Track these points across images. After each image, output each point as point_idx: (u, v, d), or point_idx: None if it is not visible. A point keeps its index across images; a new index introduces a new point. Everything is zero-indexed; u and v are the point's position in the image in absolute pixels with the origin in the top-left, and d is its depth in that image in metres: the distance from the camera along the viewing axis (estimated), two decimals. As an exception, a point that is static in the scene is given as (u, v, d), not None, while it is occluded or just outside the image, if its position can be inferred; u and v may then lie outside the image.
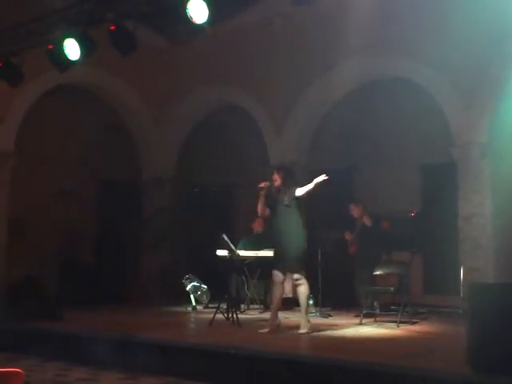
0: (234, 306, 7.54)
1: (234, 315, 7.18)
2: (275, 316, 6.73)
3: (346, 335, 6.53)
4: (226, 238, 7.61)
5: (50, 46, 7.22)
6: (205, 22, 6.61)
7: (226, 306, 7.46)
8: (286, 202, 6.55)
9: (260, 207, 6.76)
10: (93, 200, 11.42)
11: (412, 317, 7.37)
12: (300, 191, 6.53)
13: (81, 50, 7.03)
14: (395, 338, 6.48)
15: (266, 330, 6.63)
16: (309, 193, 6.50)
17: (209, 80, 10.71)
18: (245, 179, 11.51)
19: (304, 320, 6.59)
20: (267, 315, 8.26)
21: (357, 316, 7.65)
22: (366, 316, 7.56)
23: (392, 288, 7.54)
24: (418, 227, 9.51)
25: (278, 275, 6.64)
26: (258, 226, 9.27)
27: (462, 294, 7.99)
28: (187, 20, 6.55)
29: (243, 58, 10.36)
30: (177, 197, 11.70)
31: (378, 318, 7.61)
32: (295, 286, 6.68)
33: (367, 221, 8.33)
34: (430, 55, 8.59)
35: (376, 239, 8.26)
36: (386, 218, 8.80)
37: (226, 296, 7.72)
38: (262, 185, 6.68)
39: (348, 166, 10.48)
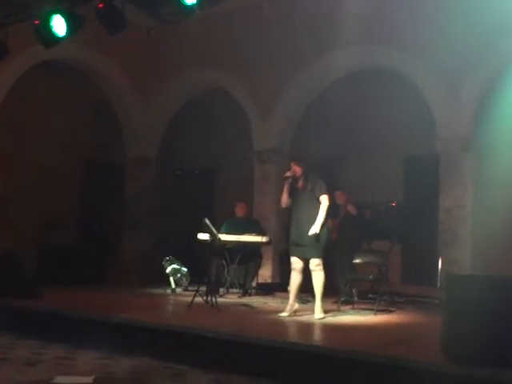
0: (214, 289, 7.56)
1: (213, 299, 7.20)
2: (294, 301, 6.81)
3: (323, 322, 6.59)
4: (208, 221, 7.61)
5: (37, 22, 7.12)
6: (195, 4, 6.57)
7: (205, 290, 7.48)
8: (310, 189, 6.67)
9: (284, 197, 6.81)
10: (75, 179, 11.34)
11: (389, 305, 7.45)
12: (327, 201, 6.68)
13: (67, 26, 6.95)
14: (372, 326, 6.55)
15: (286, 313, 6.72)
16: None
17: (197, 63, 10.64)
18: (228, 164, 11.52)
19: (319, 305, 6.69)
20: (245, 300, 8.34)
21: (335, 303, 7.72)
22: (344, 303, 7.63)
23: (371, 276, 7.62)
24: (399, 218, 9.60)
25: (297, 262, 6.71)
26: (240, 212, 9.26)
27: (438, 285, 8.10)
28: (177, 1, 6.50)
29: (232, 42, 10.30)
30: (159, 179, 11.67)
31: (355, 306, 7.69)
32: (312, 272, 6.70)
33: (352, 209, 8.38)
34: (418, 48, 8.63)
35: (358, 228, 8.32)
36: (368, 207, 8.87)
37: (205, 279, 7.74)
38: (288, 174, 6.75)
39: (332, 155, 10.51)
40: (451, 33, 8.28)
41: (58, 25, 6.96)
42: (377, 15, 8.85)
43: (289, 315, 6.70)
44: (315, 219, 6.60)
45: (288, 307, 6.78)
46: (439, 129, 8.66)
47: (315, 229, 6.51)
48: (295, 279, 6.76)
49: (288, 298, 8.08)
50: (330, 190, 8.73)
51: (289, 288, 8.26)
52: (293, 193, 6.79)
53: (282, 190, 6.87)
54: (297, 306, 6.81)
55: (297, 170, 6.76)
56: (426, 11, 8.54)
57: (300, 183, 6.76)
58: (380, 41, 8.96)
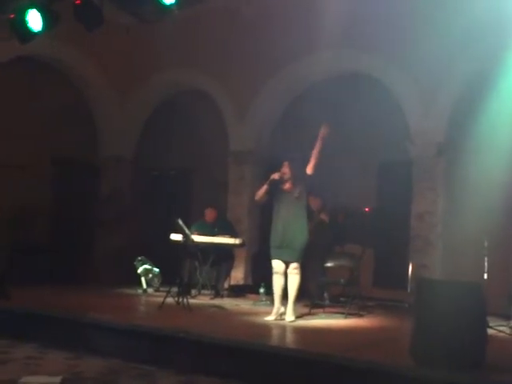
0: (185, 290, 7.54)
1: (185, 300, 7.18)
2: (280, 304, 6.77)
3: (294, 324, 6.61)
4: (181, 222, 7.58)
5: (12, 16, 7.03)
6: (173, 4, 6.56)
7: (176, 291, 7.45)
8: (296, 195, 6.63)
9: (261, 191, 6.77)
10: (49, 177, 11.16)
11: (360, 309, 7.51)
12: (310, 168, 6.64)
13: (43, 21, 6.87)
14: (342, 329, 6.59)
15: (272, 317, 6.70)
16: (317, 160, 6.63)
17: (175, 62, 10.61)
18: (203, 165, 11.48)
19: (291, 308, 6.68)
20: (217, 301, 8.32)
21: (306, 306, 7.74)
22: (315, 306, 7.66)
23: (342, 280, 7.66)
24: (372, 222, 9.67)
25: (279, 265, 6.69)
26: (209, 217, 9.19)
27: (409, 289, 8.19)
28: (156, 0, 6.48)
29: (210, 42, 10.28)
30: (135, 179, 11.59)
31: (326, 309, 7.73)
32: (289, 274, 6.69)
33: (325, 217, 8.43)
34: (394, 55, 8.72)
35: (330, 233, 8.36)
36: (342, 211, 8.92)
37: (177, 280, 7.71)
38: (276, 176, 6.69)
39: (308, 158, 10.52)
40: (426, 40, 8.39)
41: (34, 20, 6.87)
42: (355, 21, 8.90)
43: (275, 319, 6.69)
44: (300, 223, 6.61)
45: (274, 310, 6.77)
46: (413, 134, 8.76)
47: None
48: (278, 282, 6.74)
49: (258, 300, 8.10)
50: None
51: (261, 290, 8.31)
52: (277, 194, 6.74)
53: (262, 184, 6.81)
54: (282, 309, 6.79)
55: (286, 171, 6.73)
56: (403, 19, 8.63)
57: (287, 185, 6.72)
58: (356, 46, 9.03)
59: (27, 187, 10.49)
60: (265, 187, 6.73)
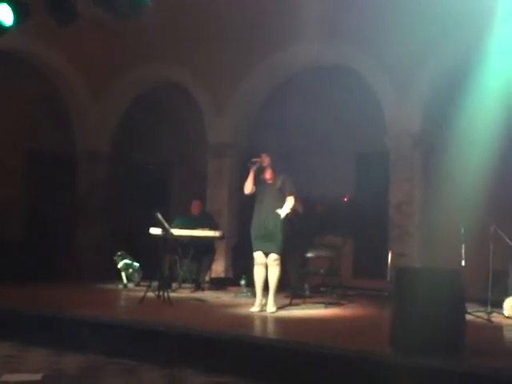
0: (166, 284, 7.52)
1: (165, 293, 7.16)
2: (261, 295, 6.80)
3: (275, 315, 6.64)
4: (160, 216, 7.56)
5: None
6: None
7: (157, 285, 7.44)
8: (279, 186, 6.67)
9: (248, 183, 6.78)
10: (24, 173, 11.05)
11: (340, 299, 7.56)
12: (290, 200, 6.65)
13: (14, 15, 6.75)
14: (323, 319, 6.63)
15: (256, 309, 6.73)
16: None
17: (151, 55, 10.53)
18: (182, 158, 11.45)
19: (272, 299, 6.72)
20: (198, 294, 8.32)
21: (287, 297, 7.78)
22: (296, 297, 7.70)
23: (322, 270, 7.71)
24: (351, 212, 9.73)
25: (261, 257, 6.72)
26: (195, 209, 9.21)
27: (388, 278, 8.28)
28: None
29: (187, 35, 10.22)
30: (112, 172, 11.52)
31: (307, 300, 7.77)
32: (269, 266, 6.72)
33: (299, 208, 8.45)
34: (371, 46, 8.77)
35: (307, 224, 8.39)
36: (321, 202, 8.97)
37: (157, 274, 7.69)
38: (256, 160, 6.71)
39: (286, 150, 10.54)
40: (401, 31, 8.44)
41: (5, 14, 6.75)
42: (332, 13, 8.92)
43: (259, 310, 6.73)
44: (280, 215, 6.64)
45: (257, 302, 6.81)
46: (389, 125, 8.83)
47: (283, 211, 6.51)
48: (259, 274, 6.77)
49: (239, 292, 8.12)
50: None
51: (242, 282, 8.33)
52: (260, 185, 6.77)
53: (247, 176, 6.82)
54: (264, 300, 6.83)
55: (265, 159, 6.77)
56: (382, 11, 8.67)
57: (267, 175, 6.76)
58: (332, 37, 9.06)
59: (2, 182, 10.36)
60: (251, 176, 6.75)
